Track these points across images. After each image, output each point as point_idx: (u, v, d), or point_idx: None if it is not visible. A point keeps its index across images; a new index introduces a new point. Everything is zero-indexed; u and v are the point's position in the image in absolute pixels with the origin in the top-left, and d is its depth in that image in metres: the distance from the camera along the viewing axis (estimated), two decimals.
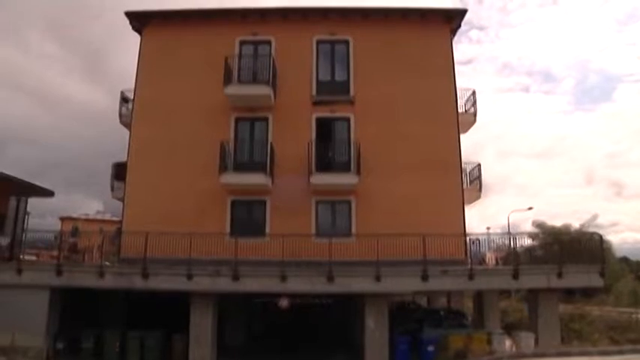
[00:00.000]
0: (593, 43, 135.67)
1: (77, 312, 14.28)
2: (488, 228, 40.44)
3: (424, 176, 15.95)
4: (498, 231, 43.64)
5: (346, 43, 17.32)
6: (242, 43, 17.28)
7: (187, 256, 13.41)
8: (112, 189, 18.43)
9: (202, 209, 15.67)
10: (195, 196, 15.82)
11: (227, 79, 15.81)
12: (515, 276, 13.85)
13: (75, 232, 21.16)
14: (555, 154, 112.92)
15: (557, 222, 32.22)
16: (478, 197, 17.96)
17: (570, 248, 16.02)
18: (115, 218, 32.72)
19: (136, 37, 17.74)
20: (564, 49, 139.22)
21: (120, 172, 17.53)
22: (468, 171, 17.81)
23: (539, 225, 33.52)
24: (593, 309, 23.38)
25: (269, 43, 17.22)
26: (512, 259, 14.83)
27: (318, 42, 17.35)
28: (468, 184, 17.53)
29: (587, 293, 25.32)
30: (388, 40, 17.34)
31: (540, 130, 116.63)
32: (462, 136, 17.08)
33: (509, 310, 23.29)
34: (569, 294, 24.24)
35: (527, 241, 16.71)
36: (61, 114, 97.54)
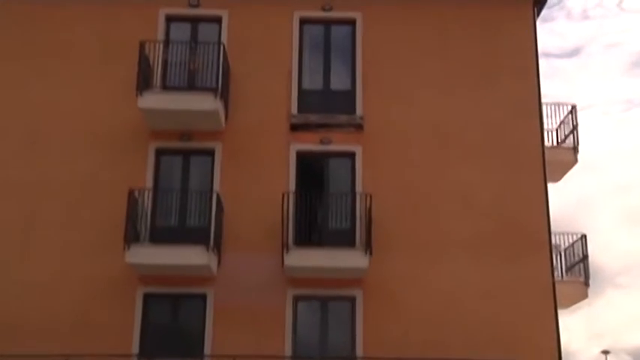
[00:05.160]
0: None
1: None
2: (606, 353, 39.95)
3: (484, 257, 15.87)
4: (626, 358, 43.46)
5: (352, 25, 17.64)
6: (170, 19, 17.58)
7: None
8: None
9: (90, 310, 15.35)
10: (77, 288, 15.43)
11: (143, 83, 15.75)
12: None
13: None
14: None
15: None
16: (584, 296, 18.14)
17: None
18: None
19: None
20: None
21: None
22: (563, 248, 18.16)
23: None
24: None
25: (218, 21, 17.50)
26: None
27: (303, 22, 17.64)
28: (564, 271, 17.89)
29: None
30: (423, 22, 17.78)
31: None
32: (553, 187, 17.76)
33: None
34: None
35: None
36: None
